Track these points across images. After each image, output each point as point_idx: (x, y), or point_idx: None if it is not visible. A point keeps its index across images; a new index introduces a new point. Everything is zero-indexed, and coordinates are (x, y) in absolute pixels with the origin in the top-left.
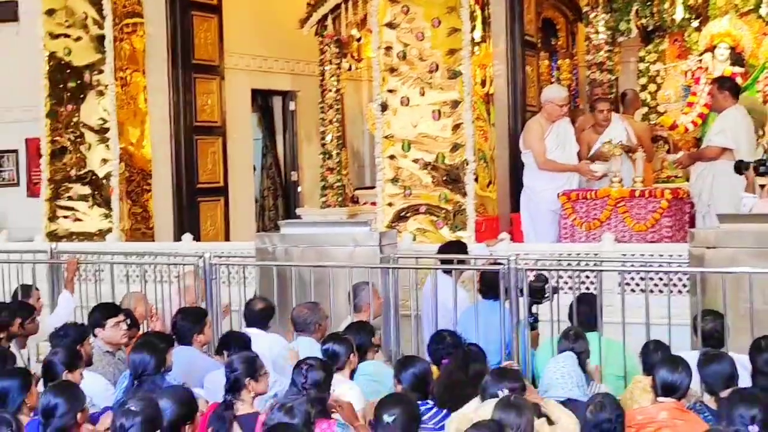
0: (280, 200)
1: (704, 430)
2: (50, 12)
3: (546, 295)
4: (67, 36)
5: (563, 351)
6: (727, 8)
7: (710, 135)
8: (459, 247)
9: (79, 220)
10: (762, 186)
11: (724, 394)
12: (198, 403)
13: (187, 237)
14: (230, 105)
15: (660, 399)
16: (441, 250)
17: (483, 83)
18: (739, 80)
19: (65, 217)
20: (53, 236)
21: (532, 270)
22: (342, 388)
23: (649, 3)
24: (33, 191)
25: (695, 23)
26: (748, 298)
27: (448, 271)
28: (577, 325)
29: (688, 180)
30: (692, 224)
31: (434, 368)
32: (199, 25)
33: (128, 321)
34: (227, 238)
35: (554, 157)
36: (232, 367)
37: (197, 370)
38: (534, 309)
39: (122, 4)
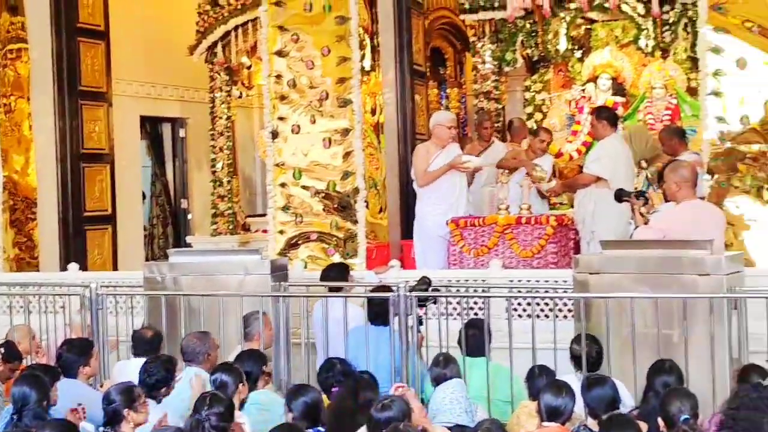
0: (170, 228)
1: None
2: None
3: (429, 298)
4: None
5: (435, 377)
6: (608, 40)
7: (587, 162)
8: (339, 269)
9: None
10: (642, 215)
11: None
12: None
13: (73, 266)
14: (118, 132)
15: (545, 424)
16: (323, 273)
17: (373, 111)
18: (620, 110)
19: None
20: None
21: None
22: (237, 417)
23: (533, 34)
24: None
25: (578, 54)
26: (630, 321)
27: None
28: (467, 350)
29: (572, 206)
30: (577, 250)
31: (324, 396)
32: (85, 51)
33: (4, 353)
34: (115, 268)
35: (443, 180)
36: (110, 399)
37: (84, 402)
38: (419, 311)
39: (5, 29)
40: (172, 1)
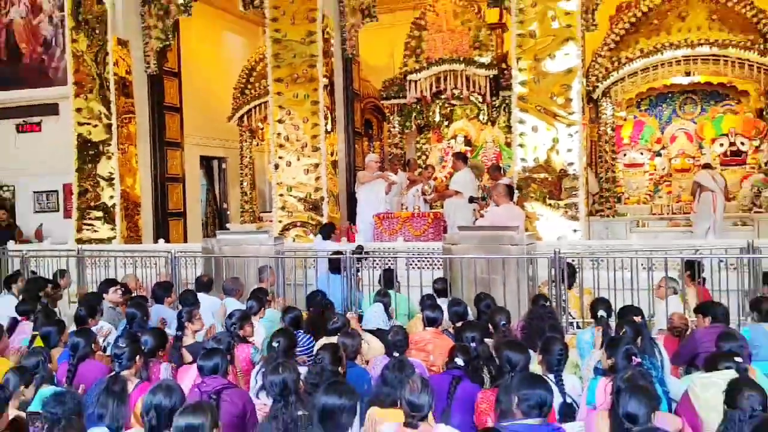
0: (216, 220)
1: (450, 344)
2: (78, 110)
3: (363, 253)
4: (88, 124)
5: (377, 302)
6: (462, 115)
7: (451, 184)
8: (329, 225)
9: (96, 231)
10: (480, 211)
11: (459, 324)
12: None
13: (161, 241)
14: (187, 165)
15: (427, 328)
16: (323, 228)
17: (332, 154)
18: (468, 154)
19: (87, 230)
20: (79, 241)
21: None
22: (256, 326)
23: (421, 111)
24: (67, 214)
25: (446, 123)
26: (474, 271)
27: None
28: (383, 286)
29: (442, 207)
30: (445, 231)
31: (305, 313)
32: (168, 119)
33: (122, 289)
34: (185, 241)
35: (372, 191)
36: (179, 315)
37: (167, 318)
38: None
39: (122, 106)
40: (218, 90)
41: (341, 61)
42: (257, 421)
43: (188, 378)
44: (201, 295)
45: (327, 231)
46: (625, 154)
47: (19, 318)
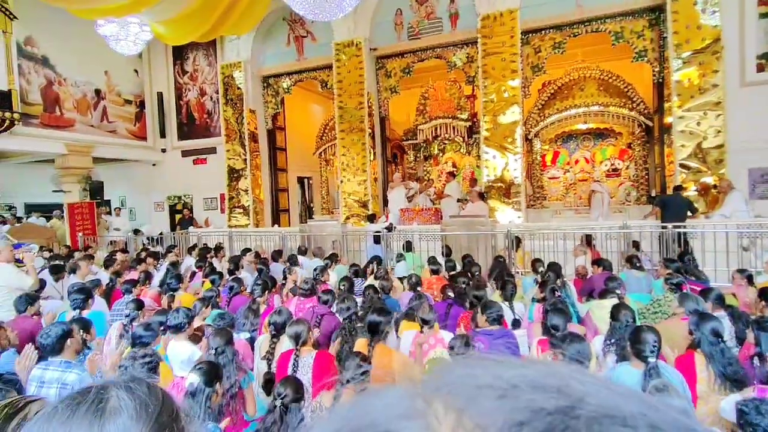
0: (306, 213)
1: (445, 284)
2: (228, 151)
3: (392, 229)
4: (234, 159)
5: (398, 261)
6: (451, 149)
7: (445, 191)
8: (372, 215)
9: (239, 220)
10: (463, 206)
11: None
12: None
13: (276, 226)
14: (290, 182)
15: (432, 275)
16: (368, 217)
17: (373, 173)
18: (455, 173)
19: (234, 219)
20: (230, 226)
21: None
22: (331, 274)
23: (426, 147)
24: (222, 211)
25: (441, 154)
26: (460, 242)
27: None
28: (405, 251)
29: (440, 205)
30: (443, 218)
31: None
32: (279, 155)
33: (255, 254)
34: (289, 226)
35: (398, 194)
36: (284, 270)
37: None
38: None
39: (252, 148)
40: (307, 137)
41: (378, 118)
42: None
43: (291, 305)
44: (300, 258)
45: (371, 218)
46: (548, 172)
47: (196, 270)
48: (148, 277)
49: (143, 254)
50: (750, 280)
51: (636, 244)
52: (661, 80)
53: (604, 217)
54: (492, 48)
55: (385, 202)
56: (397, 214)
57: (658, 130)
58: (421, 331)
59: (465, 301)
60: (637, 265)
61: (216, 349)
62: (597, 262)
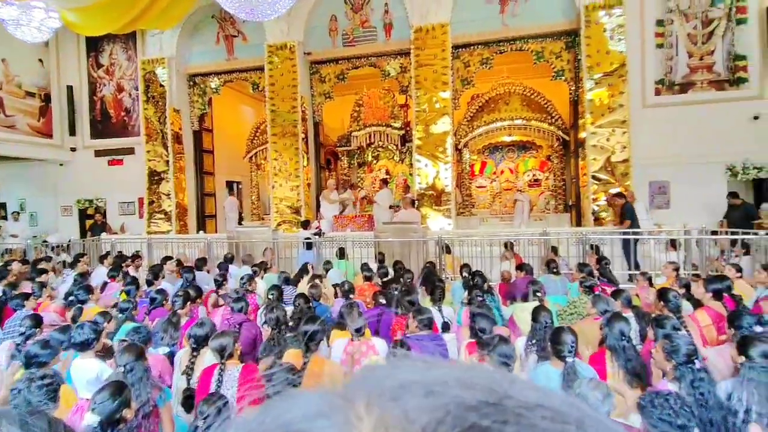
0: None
1: (377, 290)
2: (148, 151)
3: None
4: (154, 160)
5: (327, 269)
6: (384, 157)
7: (375, 198)
8: (305, 222)
9: (159, 226)
10: (396, 213)
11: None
12: (203, 292)
13: (201, 232)
14: (217, 186)
15: (364, 282)
16: (302, 223)
17: (306, 179)
18: (388, 180)
19: (153, 225)
20: (149, 233)
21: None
22: (259, 282)
23: (360, 154)
24: (141, 216)
25: (375, 161)
26: (392, 248)
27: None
28: (338, 258)
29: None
30: (375, 225)
31: (292, 274)
32: (206, 157)
33: (176, 262)
34: (216, 232)
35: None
36: (215, 279)
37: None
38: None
39: (176, 150)
40: (237, 140)
41: (312, 123)
42: (263, 341)
43: (218, 315)
44: (230, 267)
45: (305, 225)
46: (476, 181)
47: (109, 281)
48: (43, 288)
49: (42, 263)
50: (650, 281)
51: (554, 250)
52: (576, 98)
53: (525, 225)
54: (424, 59)
55: (318, 208)
56: (331, 220)
57: (573, 144)
58: (352, 340)
59: (397, 307)
60: (554, 269)
61: (125, 366)
62: (520, 266)
